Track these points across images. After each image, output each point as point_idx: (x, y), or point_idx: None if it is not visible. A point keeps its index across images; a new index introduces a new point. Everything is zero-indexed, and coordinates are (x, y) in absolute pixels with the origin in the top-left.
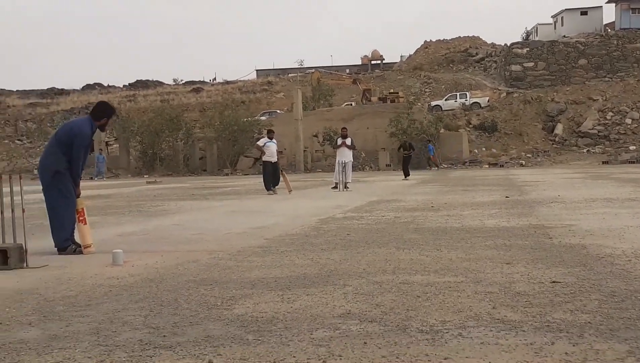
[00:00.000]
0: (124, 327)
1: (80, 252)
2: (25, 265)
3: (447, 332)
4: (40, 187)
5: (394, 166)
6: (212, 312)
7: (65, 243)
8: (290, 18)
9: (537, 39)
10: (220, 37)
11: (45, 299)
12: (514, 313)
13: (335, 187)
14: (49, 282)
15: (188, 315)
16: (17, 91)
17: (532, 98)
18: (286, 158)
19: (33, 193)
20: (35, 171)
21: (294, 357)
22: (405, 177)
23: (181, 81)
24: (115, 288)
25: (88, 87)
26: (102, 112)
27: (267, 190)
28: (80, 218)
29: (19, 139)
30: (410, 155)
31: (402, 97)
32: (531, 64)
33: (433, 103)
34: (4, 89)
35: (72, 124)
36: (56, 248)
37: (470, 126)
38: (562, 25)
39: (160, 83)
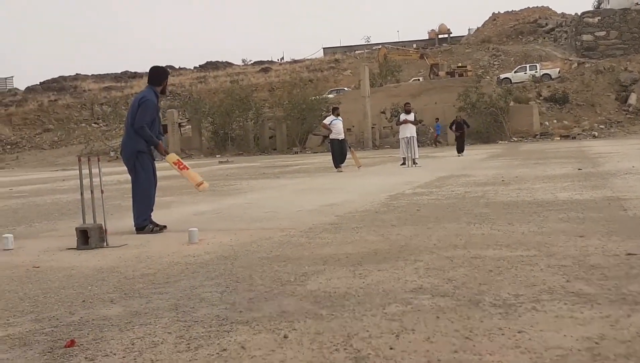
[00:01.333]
0: (202, 303)
1: (160, 231)
2: (105, 244)
3: (520, 306)
4: (122, 168)
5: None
6: (286, 288)
7: (144, 223)
8: None
9: (608, 7)
10: (287, 16)
11: (125, 277)
12: (588, 286)
13: (404, 163)
14: (128, 261)
15: (262, 291)
16: (92, 75)
17: (604, 68)
18: (354, 135)
19: (110, 175)
20: (112, 153)
21: (367, 331)
22: (459, 154)
23: (250, 61)
24: (192, 265)
25: None
26: (159, 77)
27: (336, 168)
28: (180, 166)
29: (95, 123)
30: (462, 134)
31: (470, 70)
32: (603, 33)
33: (502, 76)
34: (79, 74)
35: (137, 96)
36: (135, 227)
37: (541, 98)
38: None
39: (230, 64)
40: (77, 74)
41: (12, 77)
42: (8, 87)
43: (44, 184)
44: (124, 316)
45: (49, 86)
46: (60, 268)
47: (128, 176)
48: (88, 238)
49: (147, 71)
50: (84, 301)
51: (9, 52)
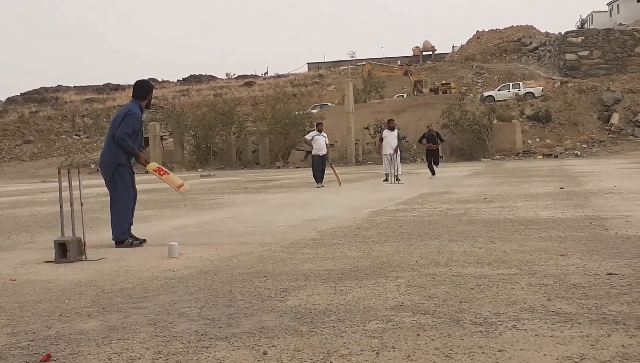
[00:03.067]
0: (180, 318)
1: (139, 244)
2: (84, 257)
3: (501, 324)
4: (102, 180)
5: (445, 158)
6: (266, 304)
7: (123, 236)
8: (340, 10)
9: (592, 27)
10: (271, 31)
11: (103, 291)
12: (569, 305)
13: (387, 179)
14: (107, 274)
15: (242, 307)
16: (74, 87)
17: (587, 87)
18: (337, 151)
19: (91, 188)
20: (93, 166)
21: (348, 348)
22: (432, 175)
23: (234, 75)
24: (171, 280)
25: None
26: (144, 91)
27: (317, 183)
28: (161, 173)
29: (76, 135)
30: (436, 149)
31: (454, 88)
32: (586, 53)
33: (485, 94)
34: (61, 85)
35: (122, 110)
36: (114, 241)
37: (524, 116)
38: (617, 12)
39: (213, 78)
40: (58, 85)
41: None
42: None
43: (23, 196)
44: (101, 331)
45: (30, 97)
46: (37, 281)
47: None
48: (66, 251)
49: (130, 83)
50: (61, 315)
51: None
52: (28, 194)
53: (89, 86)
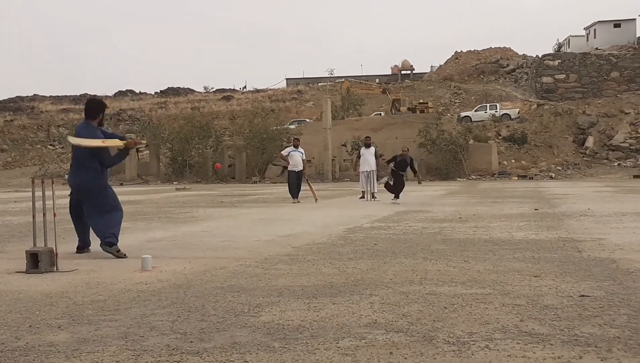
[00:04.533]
0: (152, 332)
1: (123, 257)
2: (55, 268)
3: (473, 344)
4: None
5: (422, 176)
6: (239, 319)
7: (113, 240)
8: (320, 26)
9: (569, 50)
10: (250, 46)
11: (74, 303)
12: (541, 326)
13: (363, 197)
14: (78, 286)
15: (215, 322)
16: (50, 96)
17: (562, 110)
18: (314, 167)
19: (64, 198)
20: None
21: None
22: (394, 198)
23: (212, 88)
24: (144, 293)
25: (120, 94)
26: (95, 110)
27: (293, 198)
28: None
29: (51, 145)
30: (403, 174)
31: (432, 107)
32: (562, 76)
33: (462, 114)
34: (37, 95)
35: (76, 133)
36: (103, 243)
37: (500, 137)
38: (594, 37)
39: (191, 91)
40: (34, 94)
41: None
42: None
43: None
44: (71, 343)
45: (5, 105)
46: (7, 292)
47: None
48: (38, 261)
49: (107, 94)
50: (30, 326)
51: None
52: (0, 203)
53: (66, 96)
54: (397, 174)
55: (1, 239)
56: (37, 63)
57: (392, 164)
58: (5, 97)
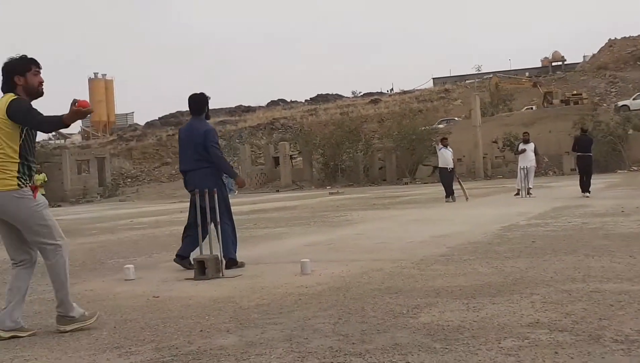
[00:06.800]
0: (315, 334)
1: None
2: (221, 275)
3: None
4: (239, 199)
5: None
6: (399, 320)
7: (235, 255)
8: (466, 24)
9: None
10: (396, 48)
11: (240, 307)
12: None
13: (518, 194)
14: (243, 291)
15: (375, 323)
16: None
17: None
18: (465, 165)
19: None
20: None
21: None
22: (584, 192)
23: (359, 93)
24: (305, 296)
25: (272, 104)
26: (200, 105)
27: (446, 197)
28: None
29: None
30: (589, 158)
31: (586, 98)
32: None
33: (620, 103)
34: None
35: (194, 130)
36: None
37: None
38: None
39: (340, 96)
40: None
41: (133, 113)
42: (129, 123)
43: (162, 216)
44: (240, 347)
45: (167, 121)
46: (178, 298)
47: (245, 208)
48: (205, 268)
49: (261, 105)
50: (201, 330)
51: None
52: (167, 214)
53: (222, 108)
54: (584, 162)
55: (170, 248)
56: (195, 79)
57: (576, 148)
58: (167, 113)
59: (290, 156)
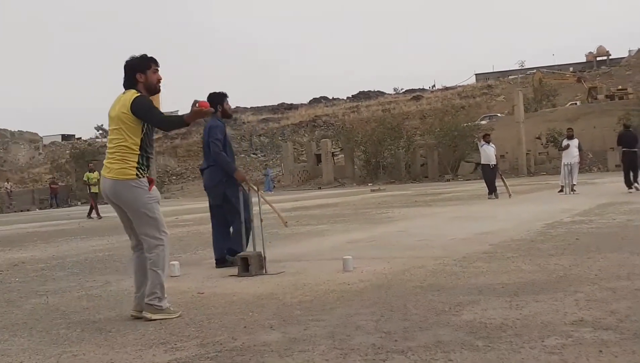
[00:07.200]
0: (357, 331)
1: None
2: (264, 271)
3: None
4: (282, 196)
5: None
6: (441, 318)
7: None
8: (509, 19)
9: None
10: (438, 43)
11: (283, 304)
12: None
13: (562, 190)
14: (286, 288)
15: (417, 321)
16: (250, 108)
17: None
18: (508, 162)
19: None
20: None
21: None
22: (629, 188)
23: (401, 89)
24: (347, 293)
25: (314, 101)
26: (213, 104)
27: (489, 194)
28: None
29: (253, 153)
30: (635, 153)
31: (631, 93)
32: None
33: None
34: (239, 107)
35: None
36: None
37: None
38: None
39: (382, 93)
40: (237, 107)
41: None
42: None
43: (206, 213)
44: (283, 343)
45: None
46: (222, 295)
47: (287, 205)
48: (249, 265)
49: (303, 102)
50: (245, 327)
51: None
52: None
53: (265, 106)
54: (629, 158)
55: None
56: (239, 77)
57: (621, 145)
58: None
59: (332, 153)
